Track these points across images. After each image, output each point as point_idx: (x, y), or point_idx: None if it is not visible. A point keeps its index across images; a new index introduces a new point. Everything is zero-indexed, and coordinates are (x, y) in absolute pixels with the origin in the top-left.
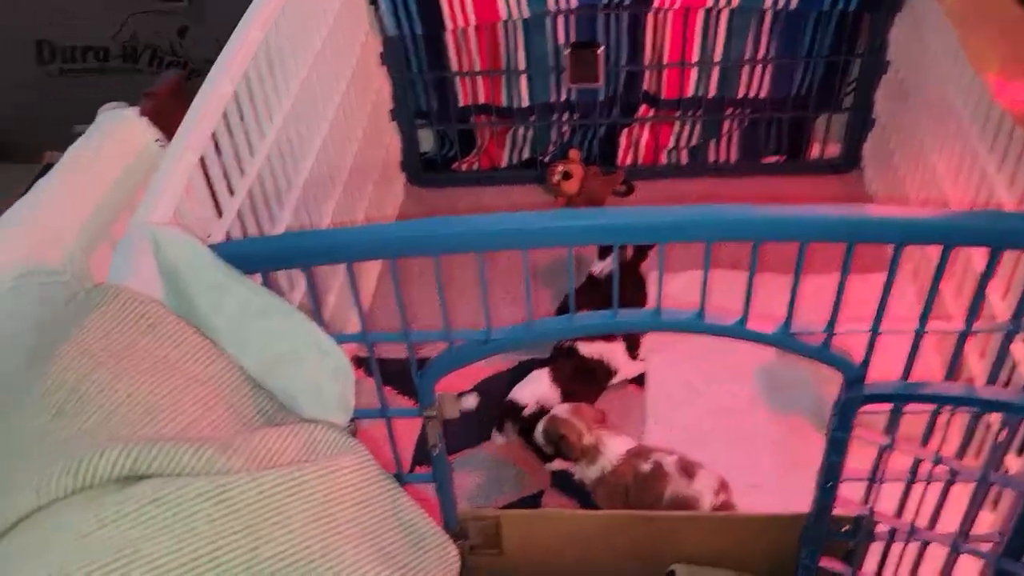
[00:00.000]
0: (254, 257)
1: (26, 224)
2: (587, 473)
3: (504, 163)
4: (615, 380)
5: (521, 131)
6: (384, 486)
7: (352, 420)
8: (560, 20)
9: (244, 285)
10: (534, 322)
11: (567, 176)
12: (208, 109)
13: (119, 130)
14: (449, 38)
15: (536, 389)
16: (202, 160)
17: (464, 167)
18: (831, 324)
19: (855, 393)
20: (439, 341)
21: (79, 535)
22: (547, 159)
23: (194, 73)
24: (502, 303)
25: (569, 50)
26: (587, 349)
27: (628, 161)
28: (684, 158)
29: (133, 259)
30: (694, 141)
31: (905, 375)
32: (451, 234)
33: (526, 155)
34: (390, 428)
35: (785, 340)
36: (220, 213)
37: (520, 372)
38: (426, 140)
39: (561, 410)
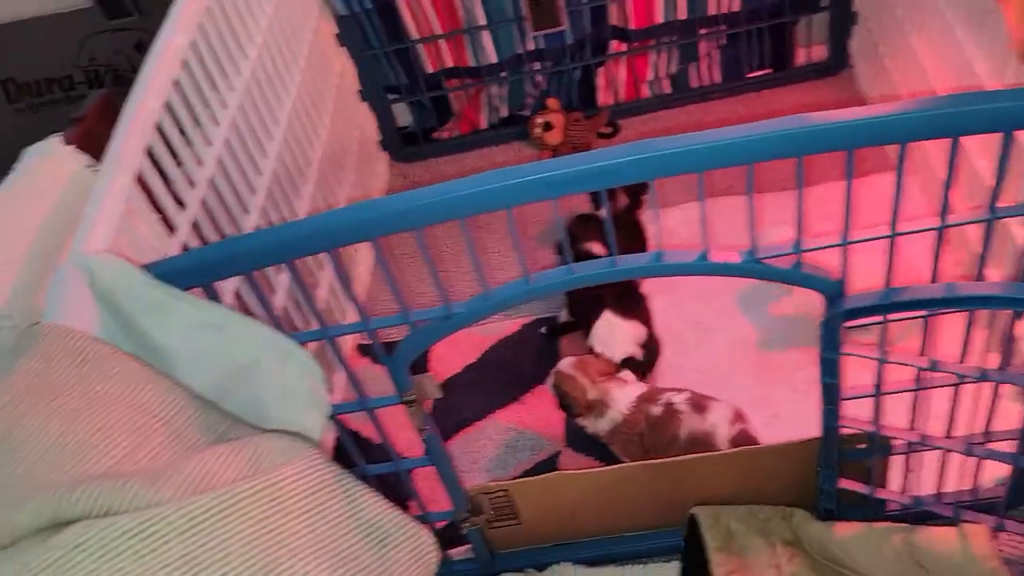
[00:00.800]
0: (190, 271)
1: None
2: (599, 426)
3: (484, 124)
4: None
5: (495, 89)
6: (336, 489)
7: (332, 416)
8: None
9: (186, 302)
10: (491, 291)
11: (548, 127)
12: (135, 126)
13: (44, 163)
14: (403, 6)
15: (621, 335)
16: (143, 179)
17: (445, 135)
18: (798, 244)
19: (835, 310)
20: (399, 325)
21: None
22: (527, 113)
23: None
24: (505, 265)
25: None
26: None
27: (609, 101)
28: (667, 87)
29: (67, 293)
30: (674, 68)
31: (887, 283)
32: (388, 214)
33: (505, 113)
34: (374, 419)
35: (754, 268)
36: (173, 230)
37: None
38: (403, 114)
39: (565, 365)
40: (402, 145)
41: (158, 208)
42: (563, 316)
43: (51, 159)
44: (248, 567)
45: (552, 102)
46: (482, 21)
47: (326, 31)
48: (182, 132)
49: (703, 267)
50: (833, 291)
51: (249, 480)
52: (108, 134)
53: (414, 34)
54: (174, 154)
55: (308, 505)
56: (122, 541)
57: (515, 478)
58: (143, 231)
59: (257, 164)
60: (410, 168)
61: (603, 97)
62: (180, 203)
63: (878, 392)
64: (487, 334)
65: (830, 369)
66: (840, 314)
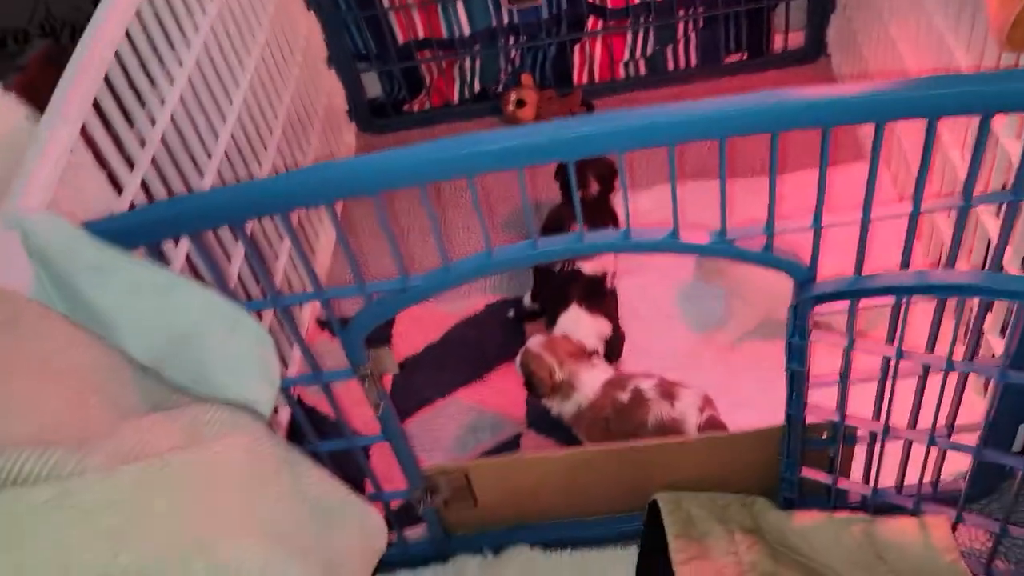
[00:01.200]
0: (133, 230)
1: None
2: (564, 408)
3: (456, 98)
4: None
5: (468, 62)
6: (280, 464)
7: (285, 389)
8: None
9: (129, 263)
10: (451, 264)
11: (521, 104)
12: (83, 77)
13: None
14: None
15: (585, 330)
16: (89, 134)
17: (416, 107)
18: (769, 225)
19: (805, 295)
20: (355, 296)
21: None
22: (500, 88)
23: None
24: (473, 243)
25: None
26: (589, 267)
27: (584, 80)
28: (642, 69)
29: None
30: (650, 50)
31: (858, 269)
32: (342, 177)
33: (478, 87)
34: (329, 393)
35: (724, 248)
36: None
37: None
38: (372, 85)
39: (534, 343)
40: (371, 116)
41: (106, 165)
42: (527, 300)
43: None
44: (176, 543)
45: (526, 78)
46: None
47: None
48: (134, 87)
49: (671, 245)
50: (804, 276)
51: (184, 451)
52: (53, 85)
53: (386, 1)
54: (125, 112)
55: (247, 480)
56: (40, 512)
57: (476, 458)
58: (88, 187)
59: (214, 126)
60: (379, 139)
61: (578, 75)
62: (130, 163)
63: (845, 380)
64: (451, 312)
65: (797, 355)
66: (809, 299)
